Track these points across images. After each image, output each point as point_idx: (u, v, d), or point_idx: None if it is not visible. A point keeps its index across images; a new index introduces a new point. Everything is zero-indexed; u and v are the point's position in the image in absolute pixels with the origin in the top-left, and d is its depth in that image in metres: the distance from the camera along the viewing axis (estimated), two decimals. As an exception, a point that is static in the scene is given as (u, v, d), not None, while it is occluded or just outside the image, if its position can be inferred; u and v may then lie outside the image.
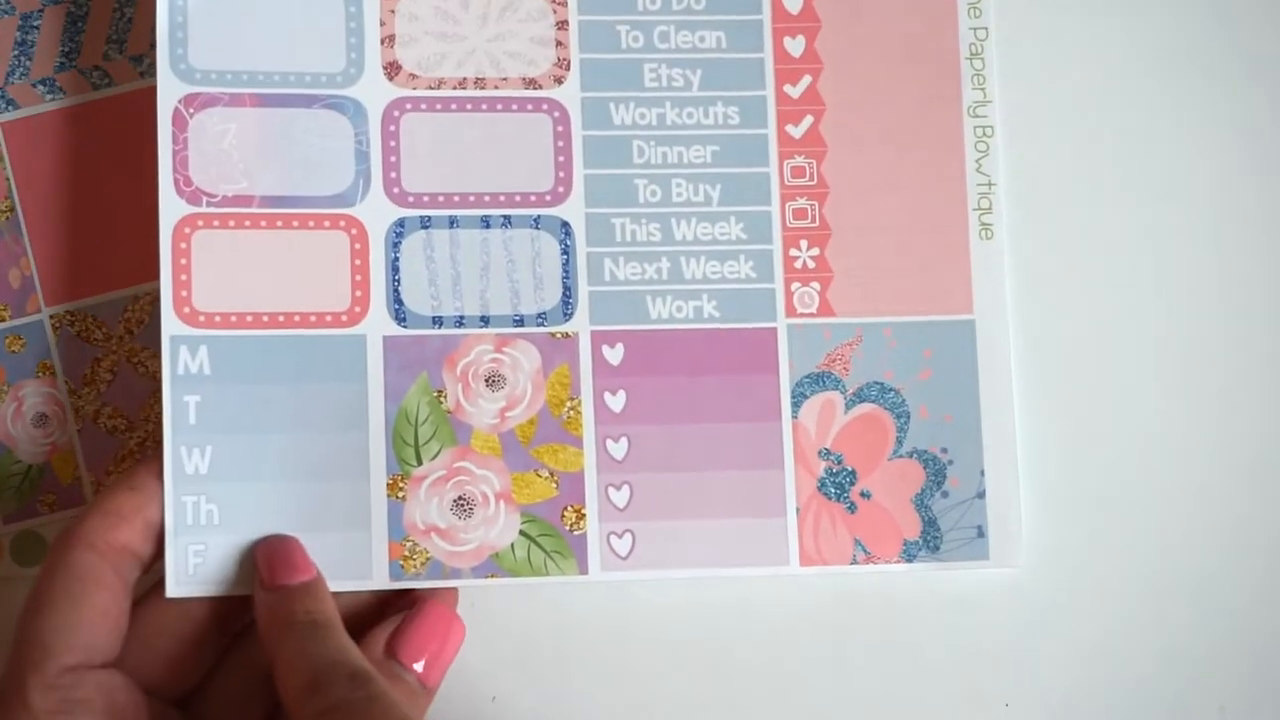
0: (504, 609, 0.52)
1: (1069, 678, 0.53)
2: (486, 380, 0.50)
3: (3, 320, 0.52)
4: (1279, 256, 0.55)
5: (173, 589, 0.47)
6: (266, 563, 0.47)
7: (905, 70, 0.52)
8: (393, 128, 0.50)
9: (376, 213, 0.50)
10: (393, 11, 0.51)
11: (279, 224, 0.49)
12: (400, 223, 0.50)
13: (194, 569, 0.47)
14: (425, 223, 0.50)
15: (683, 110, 0.52)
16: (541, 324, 0.50)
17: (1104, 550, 0.53)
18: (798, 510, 0.51)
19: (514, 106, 0.51)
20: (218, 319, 0.49)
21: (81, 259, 0.52)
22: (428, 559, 0.49)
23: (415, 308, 0.50)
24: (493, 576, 0.49)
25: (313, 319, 0.49)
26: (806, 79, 0.52)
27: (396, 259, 0.50)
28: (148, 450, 0.52)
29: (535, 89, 0.51)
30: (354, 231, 0.50)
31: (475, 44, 0.51)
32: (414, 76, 0.51)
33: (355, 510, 0.49)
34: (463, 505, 0.49)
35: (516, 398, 0.50)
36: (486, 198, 0.51)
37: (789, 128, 0.52)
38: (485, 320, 0.50)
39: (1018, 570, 0.52)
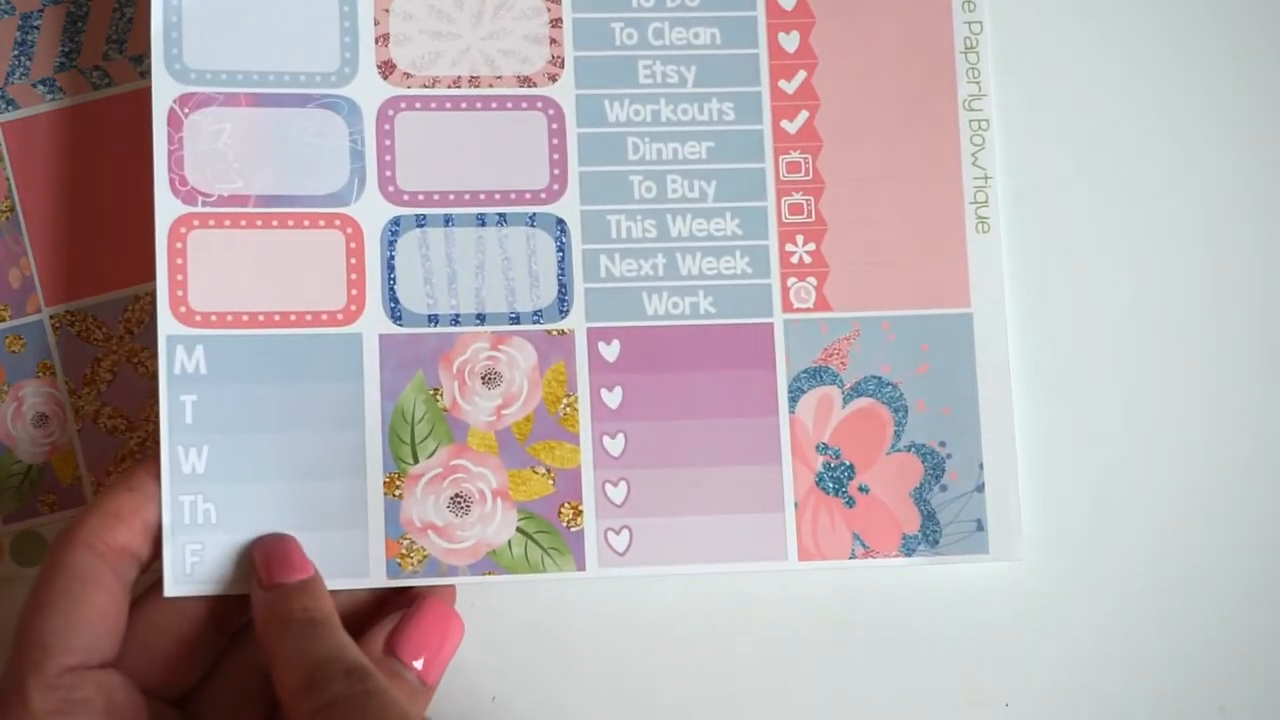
0: (503, 607, 0.52)
1: (1069, 677, 0.53)
2: (483, 378, 0.50)
3: (3, 320, 0.52)
4: (1275, 249, 0.55)
5: (170, 588, 0.47)
6: (264, 561, 0.47)
7: (900, 65, 0.52)
8: (387, 126, 0.50)
9: (372, 211, 0.50)
10: (387, 11, 0.51)
11: (274, 223, 0.50)
12: (395, 221, 0.50)
13: (191, 568, 0.48)
14: (420, 221, 0.50)
15: (677, 106, 0.52)
16: (537, 321, 0.50)
17: (1103, 544, 0.53)
18: (796, 505, 0.51)
19: (509, 104, 0.51)
20: (214, 318, 0.49)
21: (81, 259, 0.52)
22: (425, 557, 0.49)
23: (411, 306, 0.50)
24: (490, 574, 0.49)
25: (309, 318, 0.49)
26: (801, 74, 0.52)
27: (392, 257, 0.50)
28: (148, 450, 0.52)
29: (530, 87, 0.51)
30: (349, 230, 0.50)
31: (469, 42, 0.51)
32: (408, 75, 0.51)
33: (352, 509, 0.49)
34: (460, 503, 0.49)
35: (513, 395, 0.50)
36: (482, 195, 0.51)
37: (784, 123, 0.52)
38: (481, 318, 0.50)
39: (1016, 566, 0.52)
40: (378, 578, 0.49)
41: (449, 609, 0.49)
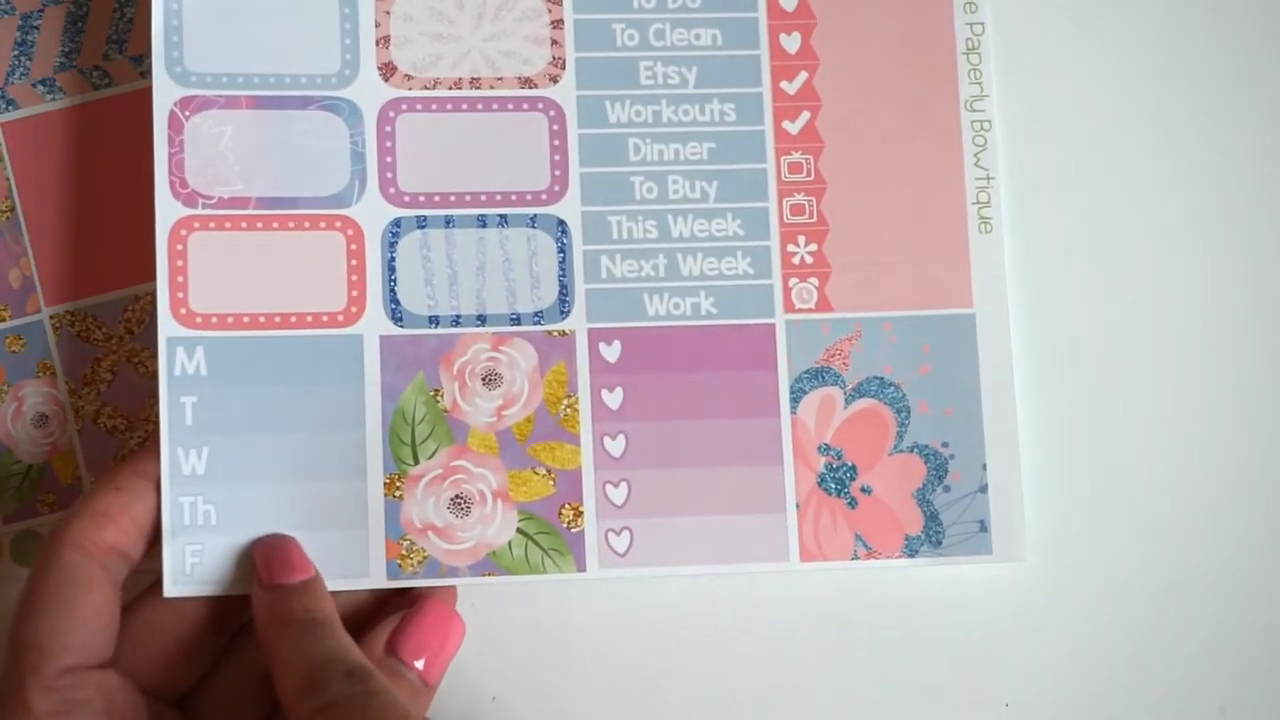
0: (504, 608, 0.52)
1: (1069, 677, 0.53)
2: (483, 379, 0.50)
3: (3, 320, 0.52)
4: (1275, 250, 0.54)
5: (170, 589, 0.47)
6: (264, 562, 0.47)
7: (902, 65, 0.52)
8: (388, 128, 0.50)
9: (372, 213, 0.50)
10: (387, 13, 0.51)
11: (275, 225, 0.49)
12: (396, 223, 0.50)
13: (191, 569, 0.48)
14: (421, 222, 0.50)
15: (679, 107, 0.52)
16: (538, 322, 0.50)
17: (1105, 544, 0.53)
18: (798, 506, 0.51)
19: (510, 106, 0.51)
20: (214, 320, 0.49)
21: (81, 259, 0.52)
22: (425, 558, 0.49)
23: (412, 307, 0.50)
24: (490, 575, 0.49)
25: (309, 319, 0.49)
26: (803, 75, 0.52)
27: (393, 259, 0.50)
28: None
29: (531, 88, 0.51)
30: (350, 232, 0.50)
31: (470, 44, 0.51)
32: (409, 77, 0.51)
33: (352, 510, 0.49)
34: (460, 504, 0.49)
35: (513, 396, 0.50)
36: (483, 197, 0.51)
37: (786, 124, 0.52)
38: (482, 319, 0.50)
39: (1018, 566, 0.52)
40: (378, 579, 0.49)
41: (450, 609, 0.49)
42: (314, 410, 0.49)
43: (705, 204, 0.51)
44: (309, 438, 0.49)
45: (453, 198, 0.50)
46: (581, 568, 0.50)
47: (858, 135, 0.52)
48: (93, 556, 0.45)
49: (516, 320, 0.50)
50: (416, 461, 0.49)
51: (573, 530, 0.50)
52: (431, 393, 0.50)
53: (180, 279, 0.49)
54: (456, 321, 0.50)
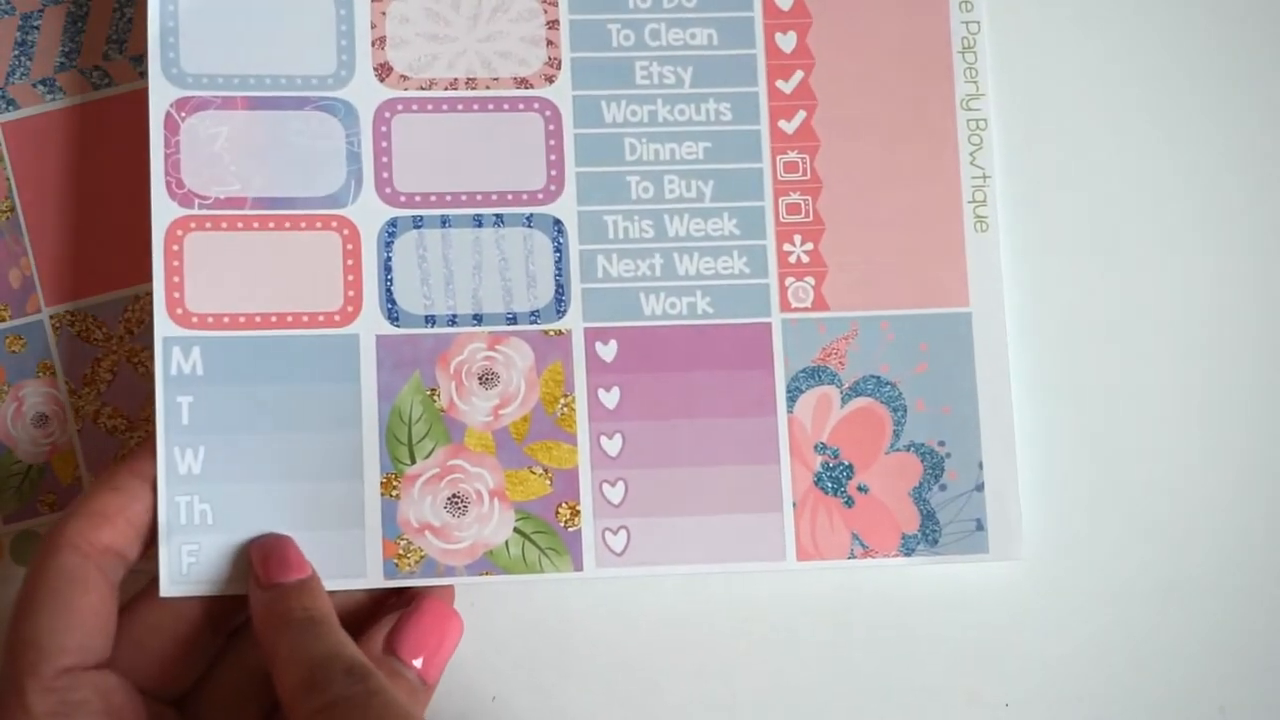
0: (503, 606, 0.52)
1: (1069, 677, 0.53)
2: (480, 378, 0.50)
3: (3, 320, 0.52)
4: (1273, 249, 0.54)
5: (167, 589, 0.48)
6: (262, 561, 0.47)
7: (898, 64, 0.52)
8: (384, 129, 0.50)
9: (369, 213, 0.50)
10: (383, 14, 0.51)
11: (271, 225, 0.50)
12: (392, 222, 0.50)
13: (188, 569, 0.48)
14: (417, 222, 0.50)
15: (674, 107, 0.52)
16: (534, 321, 0.50)
17: (1103, 543, 0.53)
18: (794, 505, 0.51)
19: (505, 106, 0.51)
20: (210, 320, 0.49)
21: (81, 259, 0.53)
22: (422, 557, 0.49)
23: (408, 307, 0.50)
24: (487, 574, 0.49)
25: (305, 319, 0.49)
26: (799, 74, 0.52)
27: (389, 258, 0.50)
28: (140, 450, 0.52)
29: (526, 88, 0.51)
30: (346, 232, 0.50)
31: (466, 45, 0.51)
32: (405, 78, 0.51)
33: (349, 509, 0.49)
34: (457, 503, 0.50)
35: (510, 395, 0.50)
36: (479, 196, 0.51)
37: (781, 123, 0.52)
38: (478, 318, 0.50)
39: (1016, 565, 0.52)
40: (375, 578, 0.49)
41: (448, 608, 0.49)
42: (310, 410, 0.49)
43: (701, 203, 0.51)
44: (305, 437, 0.49)
45: (449, 197, 0.50)
46: (578, 567, 0.50)
47: (854, 134, 0.52)
48: (89, 557, 0.45)
49: (513, 320, 0.50)
50: (413, 461, 0.49)
51: (570, 529, 0.50)
52: (428, 392, 0.50)
53: (176, 279, 0.49)
54: (453, 321, 0.50)
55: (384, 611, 0.49)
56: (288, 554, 0.47)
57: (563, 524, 0.50)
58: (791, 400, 0.51)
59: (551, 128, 0.51)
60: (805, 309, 0.51)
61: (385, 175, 0.50)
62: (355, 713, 0.42)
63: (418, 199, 0.50)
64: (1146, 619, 0.53)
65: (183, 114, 0.50)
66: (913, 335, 0.51)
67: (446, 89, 0.51)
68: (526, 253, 0.51)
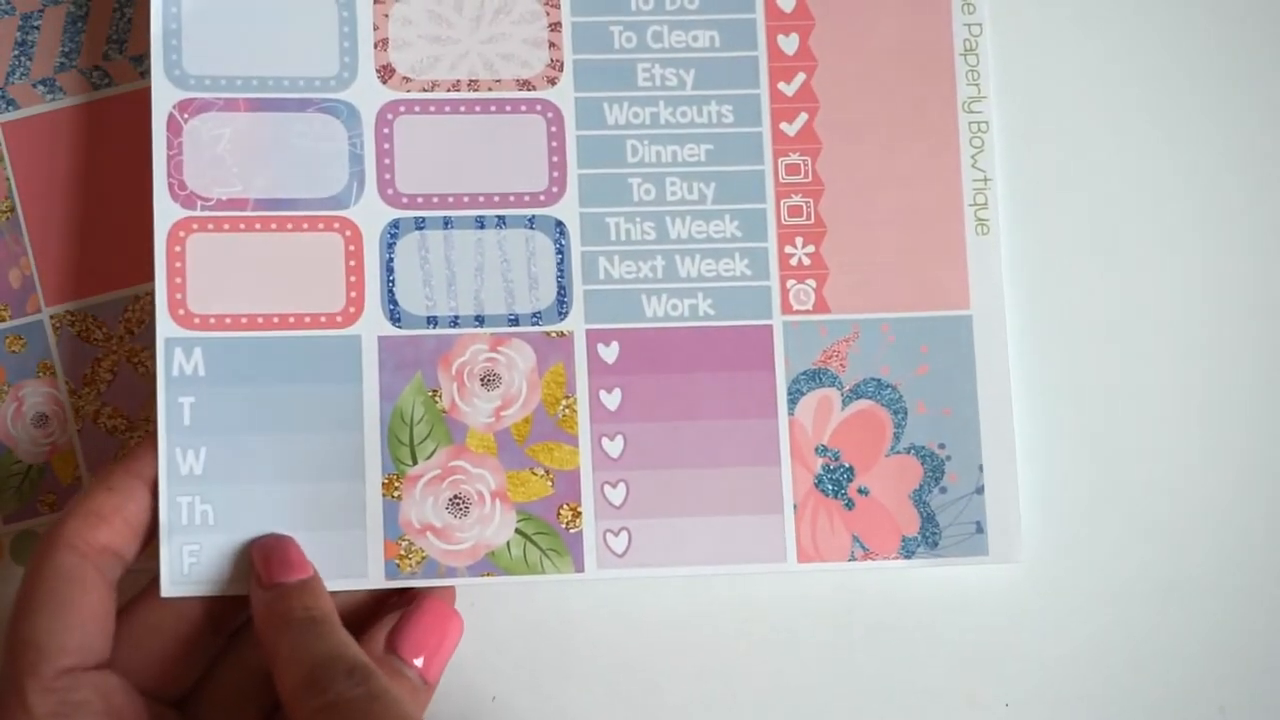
0: (503, 606, 0.52)
1: (1069, 677, 0.53)
2: (481, 379, 0.50)
3: (3, 320, 0.52)
4: (1273, 252, 0.54)
5: (168, 589, 0.48)
6: (263, 561, 0.47)
7: (899, 67, 0.52)
8: (386, 130, 0.50)
9: (371, 214, 0.50)
10: (386, 15, 0.51)
11: (274, 226, 0.50)
12: (395, 224, 0.50)
13: (189, 569, 0.48)
14: (420, 224, 0.50)
15: (676, 109, 0.52)
16: (536, 323, 0.50)
17: (1103, 545, 0.53)
18: (795, 507, 0.51)
19: (508, 108, 0.51)
20: (212, 321, 0.49)
21: (81, 259, 0.53)
22: (423, 558, 0.49)
23: (410, 308, 0.50)
24: (489, 575, 0.49)
25: (307, 320, 0.49)
26: (801, 76, 0.52)
27: (391, 260, 0.50)
28: (137, 451, 0.52)
29: (529, 90, 0.51)
30: (348, 233, 0.50)
31: (468, 46, 0.51)
32: (407, 80, 0.51)
33: (351, 510, 0.49)
34: (458, 504, 0.50)
35: (512, 397, 0.50)
36: (481, 198, 0.51)
37: (783, 125, 0.52)
38: (480, 320, 0.50)
39: (1016, 566, 0.52)
40: (376, 579, 0.49)
41: (449, 607, 0.49)
42: (312, 411, 0.49)
43: (703, 205, 0.51)
44: (307, 438, 0.49)
45: (451, 199, 0.50)
46: (580, 568, 0.50)
47: (855, 137, 0.52)
48: (87, 557, 0.45)
49: (515, 321, 0.50)
50: (415, 462, 0.49)
51: (571, 531, 0.50)
52: (430, 393, 0.50)
53: (179, 280, 0.49)
54: (455, 322, 0.50)
55: (384, 611, 0.49)
56: (289, 554, 0.47)
57: (564, 525, 0.50)
58: (792, 402, 0.51)
59: (554, 129, 0.51)
60: (806, 311, 0.51)
61: (387, 177, 0.50)
62: (357, 714, 0.42)
63: (420, 200, 0.50)
64: (1146, 619, 0.53)
65: (185, 115, 0.50)
66: (913, 338, 0.51)
67: (449, 91, 0.51)
68: (528, 254, 0.51)
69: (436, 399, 0.50)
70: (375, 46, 0.51)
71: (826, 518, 0.51)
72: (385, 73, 0.51)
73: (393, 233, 0.50)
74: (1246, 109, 0.55)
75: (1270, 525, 0.54)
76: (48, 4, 0.53)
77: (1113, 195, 0.54)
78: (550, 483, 0.50)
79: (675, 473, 0.50)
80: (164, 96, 0.50)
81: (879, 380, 0.51)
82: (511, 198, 0.51)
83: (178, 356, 0.49)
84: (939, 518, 0.51)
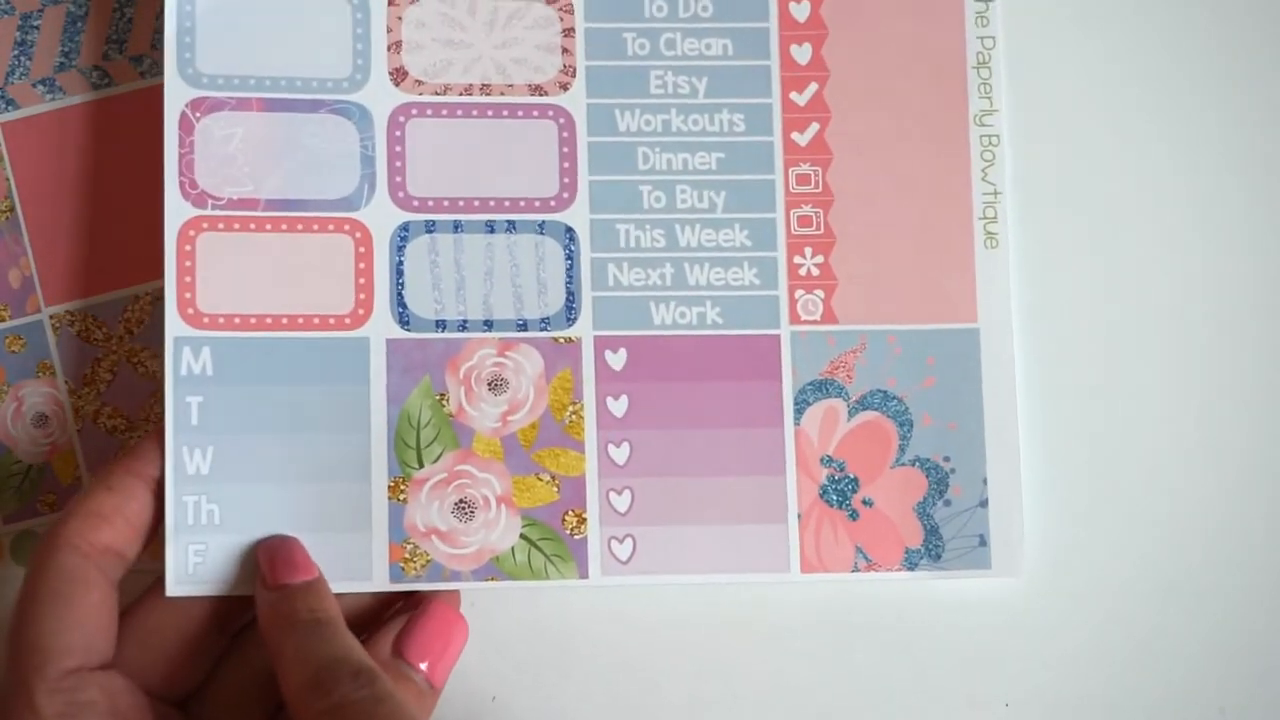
0: (505, 608, 0.52)
1: (1069, 678, 0.53)
2: (489, 384, 0.50)
3: (3, 320, 0.52)
4: (1271, 247, 0.55)
5: (173, 588, 0.47)
6: (269, 562, 0.47)
7: (912, 78, 0.52)
8: (398, 133, 0.50)
9: (381, 216, 0.50)
10: (399, 18, 0.51)
11: (284, 227, 0.49)
12: (405, 227, 0.50)
13: (194, 568, 0.48)
14: (430, 227, 0.50)
15: (688, 117, 0.52)
16: (545, 329, 0.50)
17: (1105, 554, 0.53)
18: (799, 517, 0.51)
19: (519, 113, 0.51)
20: (221, 320, 0.49)
21: (81, 259, 0.52)
22: (428, 561, 0.49)
23: (419, 311, 0.50)
24: (493, 579, 0.49)
25: (316, 321, 0.49)
26: (813, 86, 0.52)
27: (401, 262, 0.50)
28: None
29: (541, 95, 0.51)
30: (358, 235, 0.50)
31: (481, 51, 0.51)
32: (420, 83, 0.51)
33: (356, 512, 0.49)
34: (464, 508, 0.49)
35: (519, 402, 0.50)
36: (491, 203, 0.51)
37: (795, 135, 0.52)
38: (489, 324, 0.50)
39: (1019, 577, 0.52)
40: (380, 581, 0.49)
41: (454, 611, 0.49)
42: (319, 412, 0.49)
43: (713, 214, 0.51)
44: (314, 439, 0.49)
45: (461, 203, 0.50)
46: (584, 574, 0.50)
47: (866, 148, 0.52)
48: (88, 557, 0.45)
49: (523, 326, 0.50)
50: (421, 465, 0.49)
51: (576, 537, 0.50)
52: (437, 397, 0.50)
53: (188, 279, 0.49)
54: (463, 326, 0.50)
55: (388, 614, 0.49)
56: (295, 555, 0.47)
57: (569, 531, 0.50)
58: (799, 412, 0.51)
59: (565, 135, 0.51)
60: (814, 321, 0.51)
61: (398, 179, 0.50)
62: (362, 716, 0.42)
63: (430, 204, 0.50)
64: (1146, 619, 0.53)
65: (198, 114, 0.49)
66: (920, 350, 0.52)
67: (461, 94, 0.51)
68: (538, 260, 0.51)
69: (444, 403, 0.50)
70: (388, 49, 0.51)
71: (830, 528, 0.51)
72: (398, 75, 0.51)
73: (403, 235, 0.50)
74: (1262, 126, 0.55)
75: (1270, 525, 0.54)
76: (47, 4, 0.53)
77: (1123, 211, 0.54)
78: (556, 488, 0.50)
79: (680, 480, 0.50)
80: (177, 94, 0.49)
81: (885, 392, 0.51)
82: (522, 203, 0.51)
83: (186, 356, 0.48)
84: (943, 530, 0.51)
